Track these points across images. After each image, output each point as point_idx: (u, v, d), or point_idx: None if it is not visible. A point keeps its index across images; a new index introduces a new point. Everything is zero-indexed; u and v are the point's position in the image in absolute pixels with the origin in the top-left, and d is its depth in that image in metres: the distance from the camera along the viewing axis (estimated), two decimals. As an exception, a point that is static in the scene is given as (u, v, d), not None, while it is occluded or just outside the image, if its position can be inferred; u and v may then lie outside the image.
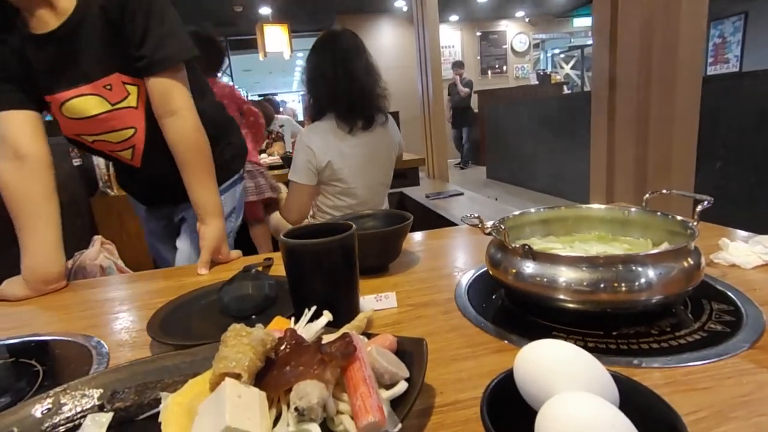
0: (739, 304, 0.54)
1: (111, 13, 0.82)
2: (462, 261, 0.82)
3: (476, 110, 7.29)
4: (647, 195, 0.66)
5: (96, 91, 0.89)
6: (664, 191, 0.66)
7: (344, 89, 1.39)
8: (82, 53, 0.85)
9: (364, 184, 1.47)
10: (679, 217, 0.58)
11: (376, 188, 1.53)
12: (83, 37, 0.84)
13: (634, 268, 0.48)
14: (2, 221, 1.45)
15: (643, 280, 0.48)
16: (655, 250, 0.51)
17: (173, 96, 0.88)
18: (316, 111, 1.46)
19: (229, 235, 1.16)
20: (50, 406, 0.40)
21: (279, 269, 0.81)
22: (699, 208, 0.56)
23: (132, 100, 0.91)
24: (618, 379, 0.33)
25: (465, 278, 0.70)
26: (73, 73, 0.87)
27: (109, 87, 0.89)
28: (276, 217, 1.86)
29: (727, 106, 2.50)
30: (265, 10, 6.53)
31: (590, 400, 0.28)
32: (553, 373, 0.31)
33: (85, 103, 0.89)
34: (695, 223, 0.55)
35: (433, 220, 2.68)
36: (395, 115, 4.77)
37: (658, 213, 0.62)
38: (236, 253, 0.95)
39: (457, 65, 7.22)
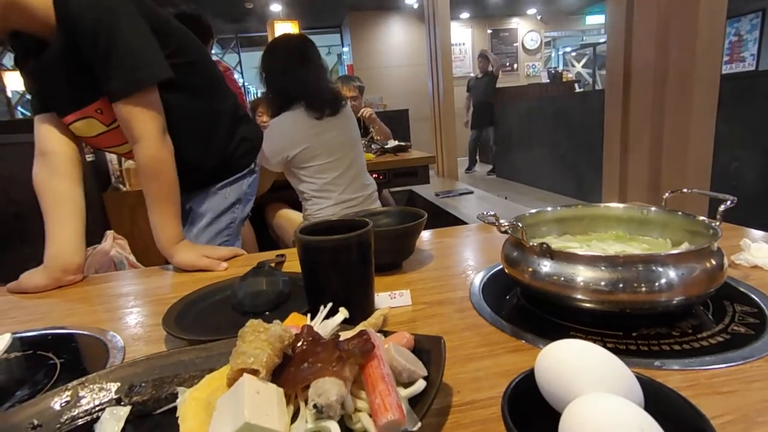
0: (763, 306, 0.53)
1: (78, 39, 0.80)
2: (475, 259, 0.81)
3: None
4: (667, 194, 0.65)
5: (89, 115, 0.91)
6: (685, 190, 0.65)
7: (313, 82, 1.62)
8: (67, 82, 0.86)
9: (341, 155, 1.69)
10: (701, 217, 0.57)
11: (354, 157, 1.73)
12: (63, 66, 0.84)
13: (654, 268, 0.47)
14: (14, 219, 1.48)
15: (663, 281, 0.47)
16: (677, 250, 0.50)
17: (131, 125, 0.85)
18: (282, 103, 1.65)
19: (231, 226, 1.17)
20: (69, 398, 0.40)
21: (291, 265, 0.81)
22: (722, 207, 0.55)
23: None
24: (642, 380, 0.32)
25: (479, 276, 0.69)
26: (66, 100, 0.89)
27: (99, 111, 0.91)
28: (281, 215, 1.88)
29: (743, 106, 2.45)
30: (275, 7, 6.56)
31: (617, 401, 0.27)
32: (577, 374, 0.30)
33: (84, 125, 0.92)
34: (718, 223, 0.54)
35: (443, 218, 2.67)
36: (404, 113, 4.76)
37: (679, 213, 0.61)
38: (230, 250, 0.93)
39: (483, 56, 6.56)
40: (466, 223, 2.34)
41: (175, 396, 0.39)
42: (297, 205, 1.91)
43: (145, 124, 0.85)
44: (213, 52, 2.35)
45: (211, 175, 1.16)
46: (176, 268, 0.89)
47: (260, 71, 1.67)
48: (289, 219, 1.85)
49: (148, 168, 0.87)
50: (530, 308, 0.58)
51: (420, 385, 0.37)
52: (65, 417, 0.39)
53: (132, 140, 0.87)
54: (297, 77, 1.61)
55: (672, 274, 0.47)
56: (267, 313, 0.61)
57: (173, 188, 0.90)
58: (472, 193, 3.17)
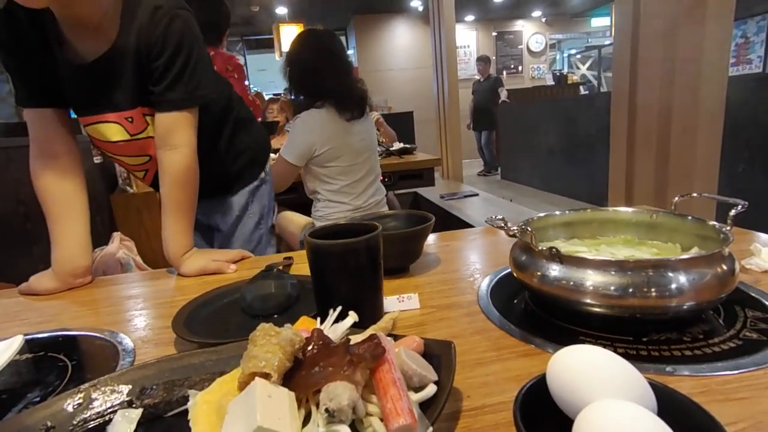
0: (774, 311, 0.52)
1: (144, 48, 0.84)
2: (482, 263, 0.81)
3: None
4: (677, 198, 0.65)
5: (118, 120, 0.91)
6: (695, 194, 0.65)
7: (344, 81, 1.60)
8: (112, 85, 0.87)
9: (362, 160, 1.69)
10: (711, 222, 0.57)
11: (372, 164, 1.74)
12: (116, 69, 0.85)
13: (665, 273, 0.47)
14: (23, 221, 1.49)
15: (674, 286, 0.47)
16: (688, 255, 0.50)
17: (176, 133, 0.88)
18: (310, 101, 1.61)
19: (261, 241, 1.22)
20: (81, 401, 0.41)
21: (298, 268, 0.81)
22: (733, 212, 0.54)
23: (151, 131, 0.93)
24: (654, 386, 0.32)
25: (486, 280, 0.69)
26: (100, 102, 0.89)
27: (130, 119, 0.91)
28: (284, 216, 1.88)
29: (750, 108, 2.44)
30: (281, 10, 6.58)
31: (631, 408, 0.27)
32: (590, 380, 0.30)
33: (107, 129, 0.92)
34: (729, 228, 0.53)
35: (448, 221, 2.67)
36: (409, 116, 4.76)
37: (689, 217, 0.60)
38: (238, 252, 0.93)
39: (483, 60, 6.68)
40: (471, 226, 2.33)
41: (186, 399, 0.40)
42: (296, 208, 1.92)
43: (188, 133, 0.90)
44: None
45: (215, 188, 1.17)
46: None
47: (285, 67, 1.63)
48: (292, 220, 1.85)
49: (180, 175, 0.89)
50: (539, 313, 0.58)
51: (431, 389, 0.37)
52: (78, 419, 0.39)
53: (168, 146, 0.88)
54: (328, 75, 1.57)
55: (683, 279, 0.47)
56: (276, 316, 0.62)
57: (195, 200, 0.93)
58: (477, 195, 3.16)
